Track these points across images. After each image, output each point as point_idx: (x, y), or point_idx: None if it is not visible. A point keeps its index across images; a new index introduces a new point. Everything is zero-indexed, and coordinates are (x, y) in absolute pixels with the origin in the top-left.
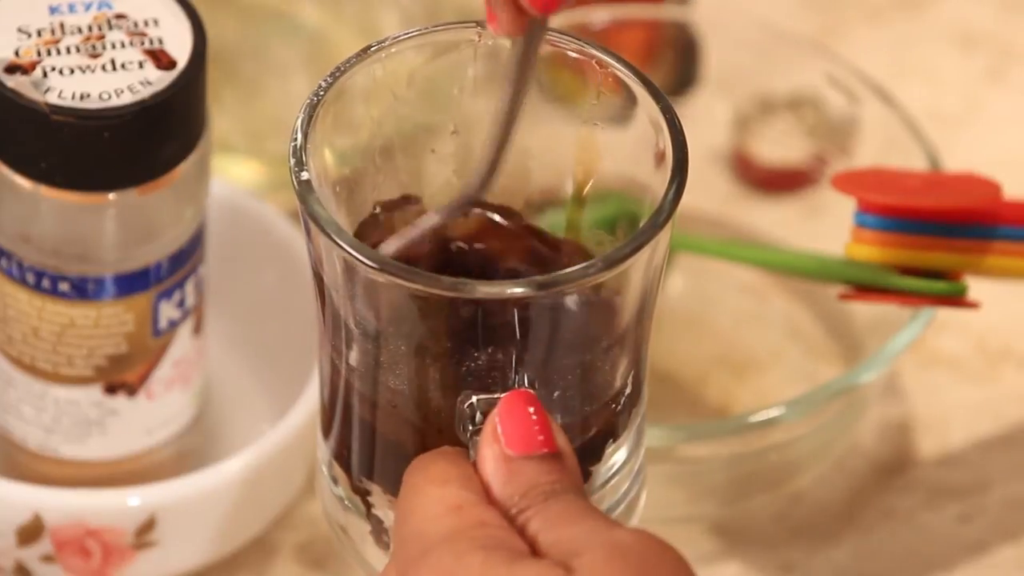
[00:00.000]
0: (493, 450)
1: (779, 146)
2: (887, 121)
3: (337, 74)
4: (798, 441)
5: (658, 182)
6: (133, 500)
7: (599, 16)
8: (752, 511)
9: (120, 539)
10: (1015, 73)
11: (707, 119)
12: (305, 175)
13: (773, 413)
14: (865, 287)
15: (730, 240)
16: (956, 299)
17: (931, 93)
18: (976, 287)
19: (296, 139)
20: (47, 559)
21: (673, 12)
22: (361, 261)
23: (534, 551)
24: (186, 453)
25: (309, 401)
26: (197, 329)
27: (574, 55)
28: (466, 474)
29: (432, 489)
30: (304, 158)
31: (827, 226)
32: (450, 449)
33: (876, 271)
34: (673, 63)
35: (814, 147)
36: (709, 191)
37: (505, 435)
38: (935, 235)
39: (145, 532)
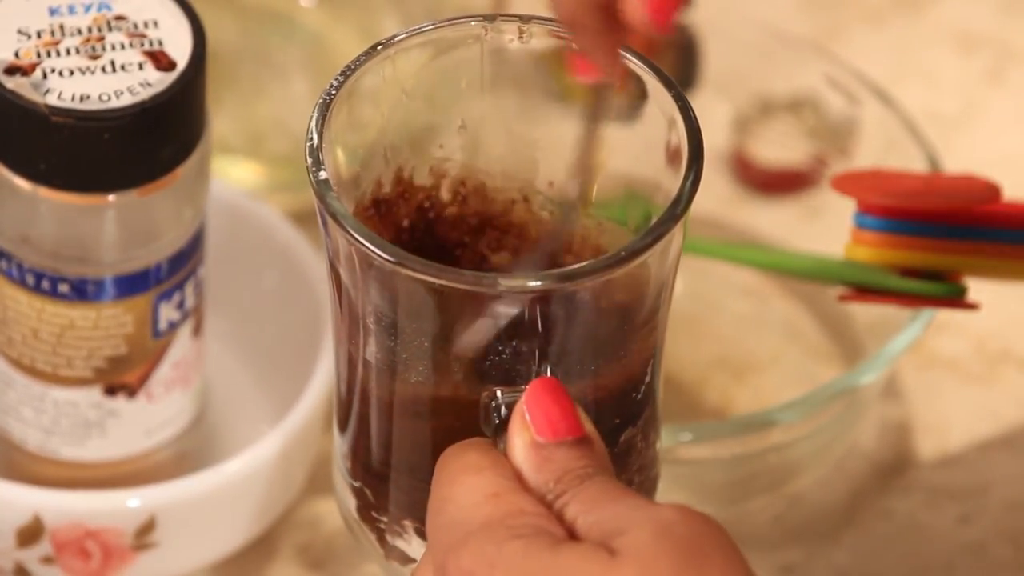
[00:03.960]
0: (523, 438)
1: (779, 147)
2: (887, 122)
3: (348, 72)
4: (798, 442)
5: (669, 180)
6: (133, 501)
7: None
8: (752, 512)
9: (120, 540)
10: (1014, 74)
11: (707, 120)
12: (323, 174)
13: (773, 414)
14: (865, 288)
15: (730, 242)
16: (956, 300)
17: (930, 94)
18: (975, 288)
19: (312, 139)
20: (47, 560)
21: None
22: (383, 258)
23: (573, 535)
24: (186, 454)
25: (309, 402)
26: (197, 330)
27: None
28: (499, 462)
29: (467, 478)
30: (321, 158)
31: (827, 227)
32: (480, 439)
33: (876, 272)
34: (673, 64)
35: (814, 148)
36: (709, 192)
37: (534, 423)
38: (935, 236)
39: (145, 533)
